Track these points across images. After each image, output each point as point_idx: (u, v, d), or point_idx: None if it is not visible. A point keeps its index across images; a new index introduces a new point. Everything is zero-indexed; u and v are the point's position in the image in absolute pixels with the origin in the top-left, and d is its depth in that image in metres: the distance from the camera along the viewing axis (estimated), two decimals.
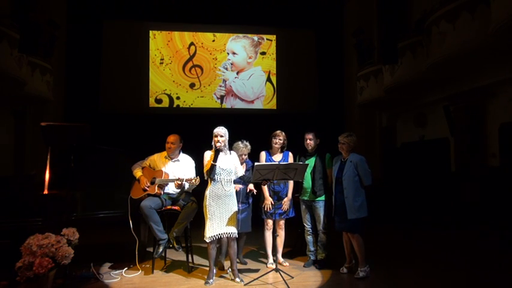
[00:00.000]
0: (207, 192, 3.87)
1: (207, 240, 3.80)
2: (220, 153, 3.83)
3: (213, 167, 3.79)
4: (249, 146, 4.55)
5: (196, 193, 4.49)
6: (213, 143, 3.89)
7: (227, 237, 3.88)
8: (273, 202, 4.37)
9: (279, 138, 4.52)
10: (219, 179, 3.85)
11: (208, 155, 3.91)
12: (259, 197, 4.58)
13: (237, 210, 3.97)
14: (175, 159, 4.50)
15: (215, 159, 3.79)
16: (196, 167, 4.52)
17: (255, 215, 4.65)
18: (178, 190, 4.37)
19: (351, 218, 4.01)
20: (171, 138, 4.47)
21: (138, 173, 4.45)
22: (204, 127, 4.43)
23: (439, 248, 5.52)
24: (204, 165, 3.89)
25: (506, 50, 5.64)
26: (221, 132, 3.87)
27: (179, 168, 4.44)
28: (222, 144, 3.85)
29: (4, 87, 7.40)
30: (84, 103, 9.64)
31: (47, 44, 8.76)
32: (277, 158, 4.52)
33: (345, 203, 4.06)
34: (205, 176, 3.90)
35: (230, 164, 3.92)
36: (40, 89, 8.49)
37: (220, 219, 3.82)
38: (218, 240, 3.93)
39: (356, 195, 4.04)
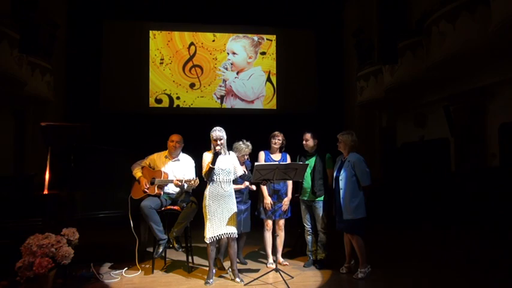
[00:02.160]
0: (207, 193, 3.88)
1: (207, 241, 3.80)
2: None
3: (211, 170, 3.80)
4: (250, 146, 4.56)
5: (196, 193, 4.50)
6: (212, 145, 3.90)
7: (227, 237, 3.88)
8: (272, 202, 4.37)
9: (278, 139, 4.53)
10: (218, 180, 3.86)
11: (207, 157, 3.91)
12: (257, 197, 4.59)
13: (236, 210, 3.97)
14: (176, 158, 4.51)
15: (213, 162, 3.80)
16: (196, 167, 4.52)
17: (254, 215, 4.65)
18: (178, 189, 4.38)
19: (346, 218, 4.00)
20: (176, 137, 4.48)
21: (137, 173, 4.45)
22: (204, 127, 4.42)
23: (439, 248, 5.53)
24: (203, 167, 3.89)
25: (506, 50, 5.63)
26: (220, 136, 3.86)
27: (179, 168, 4.45)
28: (221, 148, 3.85)
29: (4, 87, 7.39)
30: (84, 103, 9.64)
31: (47, 44, 8.76)
32: (276, 157, 4.53)
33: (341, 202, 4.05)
34: (204, 177, 3.91)
35: (229, 164, 3.93)
36: (40, 89, 8.47)
37: (220, 220, 3.82)
38: (218, 240, 3.94)
39: (353, 195, 4.02)
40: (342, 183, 4.07)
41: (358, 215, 4.02)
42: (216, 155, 3.81)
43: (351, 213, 4.00)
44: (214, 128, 3.91)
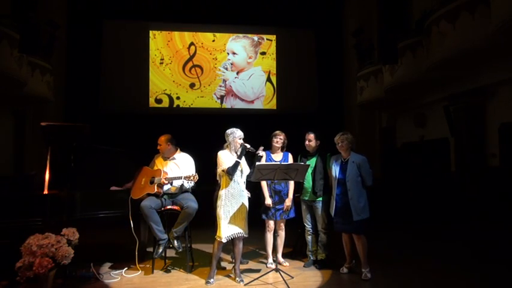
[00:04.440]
0: (223, 192, 3.90)
1: (223, 240, 3.81)
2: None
3: (237, 164, 3.85)
4: None
5: (197, 193, 4.49)
6: (233, 145, 3.95)
7: (235, 237, 3.88)
8: (270, 203, 4.36)
9: (280, 138, 4.52)
10: (236, 179, 3.91)
11: (224, 155, 3.93)
12: (258, 197, 4.58)
13: (247, 209, 3.99)
14: (172, 157, 4.51)
15: (240, 156, 3.88)
16: (196, 165, 4.52)
17: (254, 215, 4.64)
18: (169, 186, 4.37)
19: (357, 219, 3.96)
20: (160, 139, 4.53)
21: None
22: (204, 127, 4.43)
23: (439, 248, 5.53)
24: (221, 165, 3.88)
25: (506, 50, 5.63)
26: (242, 135, 4.01)
27: (176, 167, 4.46)
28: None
29: (4, 87, 7.40)
30: (84, 103, 9.65)
31: (47, 44, 8.76)
32: (278, 157, 4.53)
33: (348, 204, 4.00)
34: (221, 175, 3.92)
35: (244, 165, 3.99)
36: (40, 89, 8.48)
37: (234, 219, 3.86)
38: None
39: (360, 196, 4.02)
40: (349, 184, 4.03)
41: (365, 215, 4.02)
42: (244, 150, 3.90)
43: (359, 213, 3.98)
44: (236, 129, 4.01)
